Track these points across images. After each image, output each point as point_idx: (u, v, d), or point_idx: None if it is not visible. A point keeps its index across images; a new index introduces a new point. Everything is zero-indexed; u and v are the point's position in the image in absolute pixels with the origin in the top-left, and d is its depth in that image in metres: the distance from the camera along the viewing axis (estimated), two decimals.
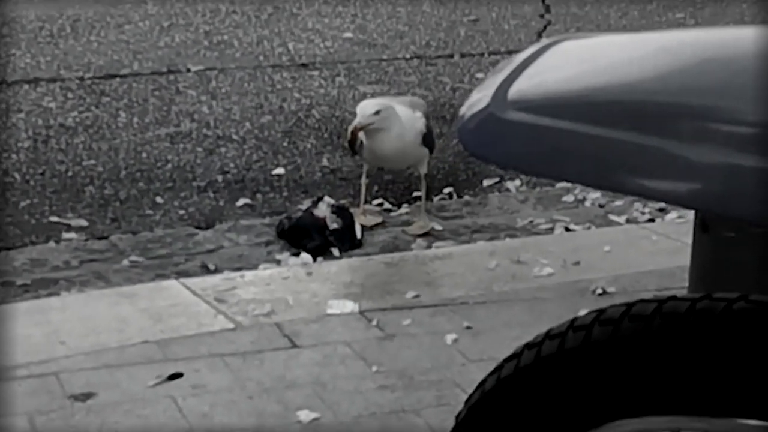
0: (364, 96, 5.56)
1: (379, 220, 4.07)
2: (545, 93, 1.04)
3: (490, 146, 1.04)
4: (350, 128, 3.79)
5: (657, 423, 1.13)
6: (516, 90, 1.04)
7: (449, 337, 3.10)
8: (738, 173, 0.96)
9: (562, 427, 1.15)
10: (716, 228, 2.68)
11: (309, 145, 4.92)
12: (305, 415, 2.71)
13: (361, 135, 3.80)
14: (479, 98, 1.06)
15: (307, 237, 3.89)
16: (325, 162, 4.73)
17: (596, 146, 0.99)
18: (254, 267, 3.71)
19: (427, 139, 3.94)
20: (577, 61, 1.07)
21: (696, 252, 2.79)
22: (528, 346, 1.16)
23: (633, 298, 3.32)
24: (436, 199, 4.42)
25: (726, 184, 0.97)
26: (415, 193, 4.42)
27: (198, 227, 4.10)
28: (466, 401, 1.23)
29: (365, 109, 3.76)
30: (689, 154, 0.97)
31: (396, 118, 3.82)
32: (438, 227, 4.07)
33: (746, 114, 0.98)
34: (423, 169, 4.03)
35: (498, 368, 1.18)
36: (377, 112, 3.74)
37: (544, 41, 1.10)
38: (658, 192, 0.99)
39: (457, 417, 1.25)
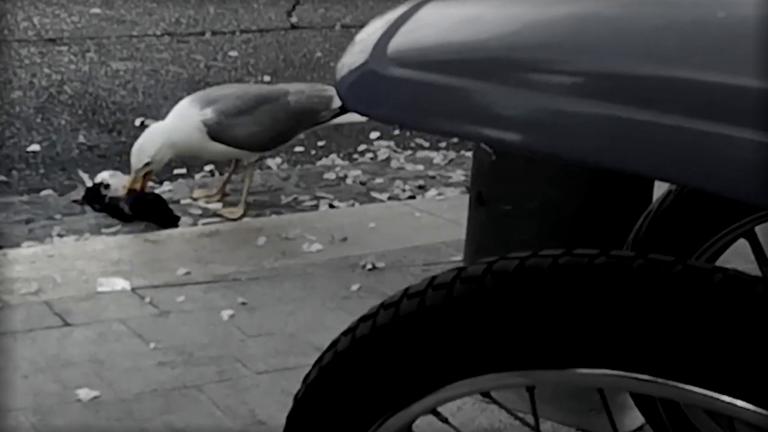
0: (116, 72, 5.47)
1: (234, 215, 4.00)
2: (422, 48, 1.06)
3: (371, 102, 1.06)
4: (125, 186, 3.80)
5: (499, 379, 1.16)
6: (394, 46, 1.05)
7: (225, 313, 3.08)
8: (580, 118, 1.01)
9: (415, 385, 1.17)
10: (493, 202, 2.75)
11: (63, 122, 4.80)
12: (85, 394, 2.65)
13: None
14: (357, 55, 1.07)
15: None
16: (81, 139, 4.62)
17: (467, 98, 1.02)
18: (16, 245, 3.59)
19: (223, 136, 3.85)
20: (450, 18, 1.09)
21: (472, 225, 2.86)
22: (384, 305, 1.17)
23: (402, 272, 3.38)
24: (198, 176, 4.39)
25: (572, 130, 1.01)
26: (176, 171, 4.38)
27: None
28: (316, 362, 1.23)
29: (135, 161, 3.77)
30: (549, 104, 1.01)
31: (171, 141, 3.79)
32: (203, 205, 4.04)
33: (586, 64, 1.03)
34: (244, 161, 4.00)
35: (352, 328, 1.19)
36: (147, 164, 3.76)
37: None
38: (517, 141, 1.02)
39: (304, 379, 1.25)
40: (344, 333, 1.20)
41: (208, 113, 3.81)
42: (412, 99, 1.04)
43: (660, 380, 1.04)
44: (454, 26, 1.08)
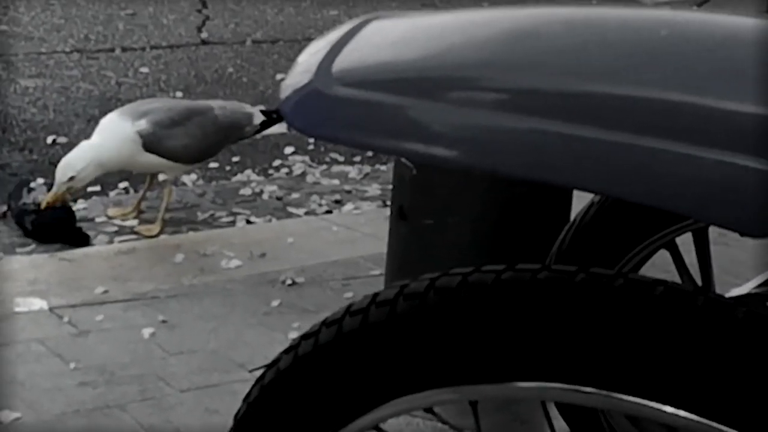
0: (26, 90, 5.41)
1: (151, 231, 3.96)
2: (366, 68, 1.08)
3: (316, 122, 1.07)
4: (43, 203, 3.75)
5: (441, 395, 1.17)
6: (338, 66, 1.06)
7: (146, 331, 3.06)
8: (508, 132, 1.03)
9: (358, 401, 1.18)
10: (414, 216, 2.77)
11: None
12: (5, 415, 2.62)
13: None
14: (300, 75, 1.07)
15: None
16: None
17: (409, 116, 1.03)
18: None
19: (158, 148, 3.83)
20: (392, 37, 1.11)
21: (393, 240, 2.88)
22: (327, 323, 1.17)
23: (322, 287, 3.38)
24: (112, 194, 4.35)
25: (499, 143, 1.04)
26: (90, 188, 4.34)
27: None
28: (258, 380, 1.23)
29: (60, 174, 3.73)
30: (487, 120, 1.03)
31: (100, 161, 3.76)
32: (118, 222, 4.01)
33: (522, 81, 1.05)
34: (165, 175, 3.99)
35: (294, 346, 1.19)
36: (71, 178, 3.71)
37: (357, 19, 1.13)
38: (457, 158, 1.04)
39: (245, 398, 1.25)
40: (286, 351, 1.20)
41: (143, 124, 3.80)
42: (356, 118, 1.05)
43: (603, 392, 1.06)
44: (396, 45, 1.09)
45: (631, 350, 1.03)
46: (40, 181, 3.93)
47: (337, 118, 1.05)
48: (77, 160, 3.74)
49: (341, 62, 1.07)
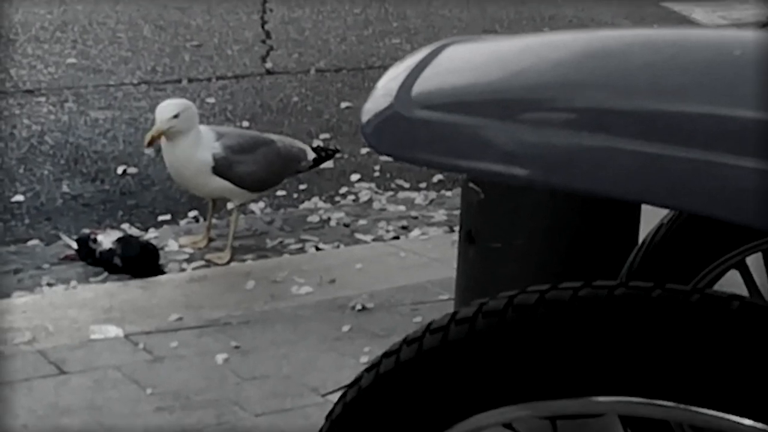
0: (96, 121, 5.50)
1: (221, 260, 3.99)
2: (445, 91, 1.11)
3: (398, 144, 1.10)
4: (147, 136, 3.78)
5: (519, 410, 1.19)
6: (418, 90, 1.10)
7: (220, 357, 3.11)
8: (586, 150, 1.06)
9: (437, 418, 1.21)
10: (482, 239, 2.80)
11: (46, 172, 4.82)
12: None
13: (163, 143, 3.82)
14: (381, 99, 1.11)
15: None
16: (65, 188, 4.64)
17: (491, 138, 1.06)
18: (6, 296, 3.60)
19: (227, 172, 3.90)
20: (468, 62, 1.14)
21: (462, 264, 2.90)
22: (407, 341, 1.20)
23: (391, 312, 3.41)
24: (182, 222, 4.41)
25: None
26: (161, 218, 4.41)
27: None
28: (341, 398, 1.26)
29: (164, 112, 3.75)
30: (570, 140, 1.06)
31: (194, 126, 3.83)
32: (189, 250, 4.06)
33: (582, 101, 1.08)
34: (231, 203, 4.04)
35: (376, 364, 1.22)
36: (176, 116, 3.74)
37: (435, 44, 1.17)
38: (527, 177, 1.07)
39: (328, 416, 1.28)
40: (368, 369, 1.24)
41: (217, 147, 3.86)
42: (436, 139, 1.08)
43: (681, 406, 1.08)
44: (473, 68, 1.13)
45: (709, 363, 1.05)
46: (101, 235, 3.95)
47: (417, 139, 1.09)
48: (180, 102, 3.85)
49: (420, 86, 1.10)
